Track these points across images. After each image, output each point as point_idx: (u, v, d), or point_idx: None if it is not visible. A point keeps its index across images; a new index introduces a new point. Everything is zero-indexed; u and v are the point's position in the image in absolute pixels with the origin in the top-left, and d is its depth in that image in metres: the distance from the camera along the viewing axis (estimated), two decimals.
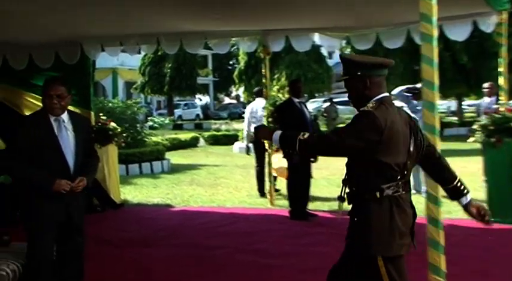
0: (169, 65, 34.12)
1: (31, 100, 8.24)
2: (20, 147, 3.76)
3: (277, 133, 2.92)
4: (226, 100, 52.98)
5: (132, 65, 33.48)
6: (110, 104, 13.10)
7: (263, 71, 8.46)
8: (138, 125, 13.62)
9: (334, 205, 7.60)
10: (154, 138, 15.55)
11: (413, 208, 2.93)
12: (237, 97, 50.20)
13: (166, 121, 27.54)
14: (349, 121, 2.91)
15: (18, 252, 4.01)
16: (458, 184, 3.06)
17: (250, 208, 8.15)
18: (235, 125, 25.13)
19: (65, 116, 3.88)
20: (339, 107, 23.28)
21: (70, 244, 3.95)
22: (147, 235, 6.61)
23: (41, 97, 3.94)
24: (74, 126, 3.90)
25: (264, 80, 8.63)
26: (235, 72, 32.02)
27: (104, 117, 8.84)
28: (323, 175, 10.37)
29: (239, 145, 16.66)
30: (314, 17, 6.82)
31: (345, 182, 2.96)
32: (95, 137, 8.09)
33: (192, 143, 19.39)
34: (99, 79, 25.36)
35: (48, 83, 3.89)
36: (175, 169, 12.92)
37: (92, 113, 8.46)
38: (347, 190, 2.95)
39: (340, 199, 2.97)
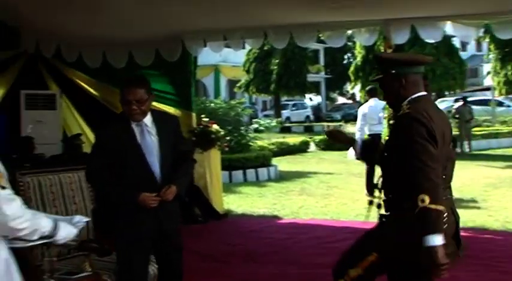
0: (277, 61, 34.49)
1: None
2: (103, 148, 3.76)
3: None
4: (340, 100, 52.50)
5: (236, 62, 34.13)
6: (212, 105, 13.52)
7: None
8: (242, 127, 13.93)
9: (469, 222, 7.33)
10: (259, 143, 15.83)
11: (455, 214, 3.04)
12: (353, 96, 49.69)
13: (273, 123, 27.87)
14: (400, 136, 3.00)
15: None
16: None
17: (368, 222, 8.03)
18: (351, 128, 24.76)
19: (147, 120, 3.79)
20: (473, 107, 22.31)
21: (166, 263, 3.89)
22: (252, 249, 6.72)
23: None
24: (158, 130, 3.80)
25: None
26: (351, 69, 31.73)
27: (206, 119, 9.06)
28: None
29: None
30: (446, 2, 6.61)
31: (381, 189, 3.17)
32: (196, 140, 8.40)
33: (301, 148, 19.51)
34: (200, 77, 26.14)
35: (125, 86, 3.75)
36: (283, 177, 13.07)
37: (193, 115, 8.77)
38: (383, 197, 3.13)
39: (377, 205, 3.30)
